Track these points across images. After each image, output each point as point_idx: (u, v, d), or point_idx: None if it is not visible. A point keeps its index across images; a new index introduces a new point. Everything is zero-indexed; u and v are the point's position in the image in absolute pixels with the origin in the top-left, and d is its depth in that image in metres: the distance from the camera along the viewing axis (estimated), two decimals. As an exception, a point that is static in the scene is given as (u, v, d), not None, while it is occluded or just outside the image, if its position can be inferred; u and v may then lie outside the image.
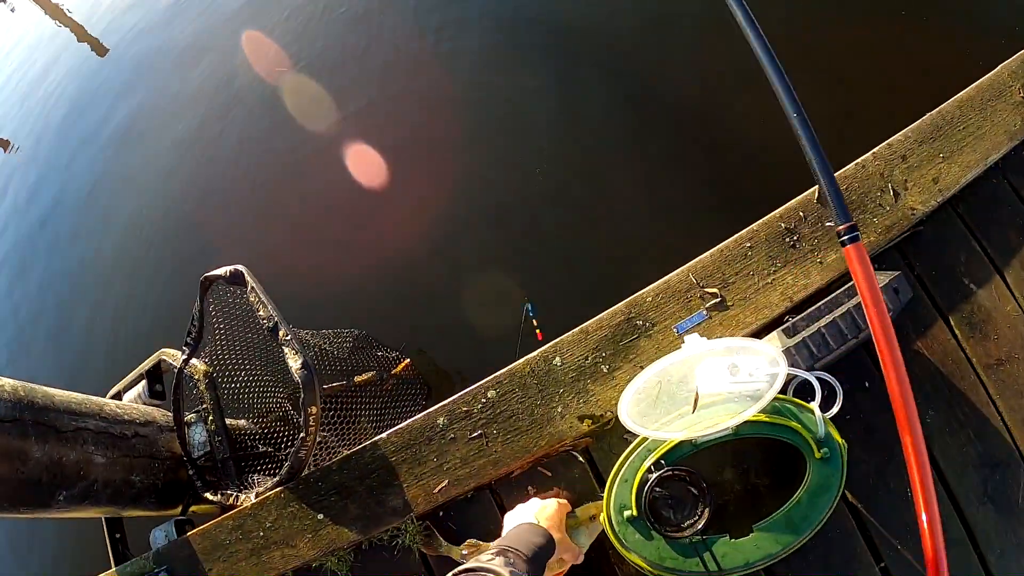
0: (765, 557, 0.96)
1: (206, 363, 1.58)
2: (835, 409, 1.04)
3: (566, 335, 1.20)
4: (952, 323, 1.21)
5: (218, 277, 1.41)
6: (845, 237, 1.03)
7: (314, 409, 1.25)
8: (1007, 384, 1.18)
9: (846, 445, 1.02)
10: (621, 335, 1.18)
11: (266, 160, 2.74)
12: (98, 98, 3.94)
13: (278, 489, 1.31)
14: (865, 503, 1.13)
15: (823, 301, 1.16)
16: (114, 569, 1.55)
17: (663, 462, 0.99)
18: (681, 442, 1.00)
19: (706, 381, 1.00)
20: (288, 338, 1.29)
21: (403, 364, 1.64)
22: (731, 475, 1.12)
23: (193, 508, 1.65)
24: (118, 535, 1.75)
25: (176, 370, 1.59)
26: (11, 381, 1.35)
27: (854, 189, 1.25)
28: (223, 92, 3.15)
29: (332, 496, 1.26)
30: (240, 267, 1.39)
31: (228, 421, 1.58)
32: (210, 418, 1.55)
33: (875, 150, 1.27)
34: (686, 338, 1.05)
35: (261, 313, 1.33)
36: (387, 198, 2.37)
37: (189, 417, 1.59)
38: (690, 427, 0.98)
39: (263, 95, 2.96)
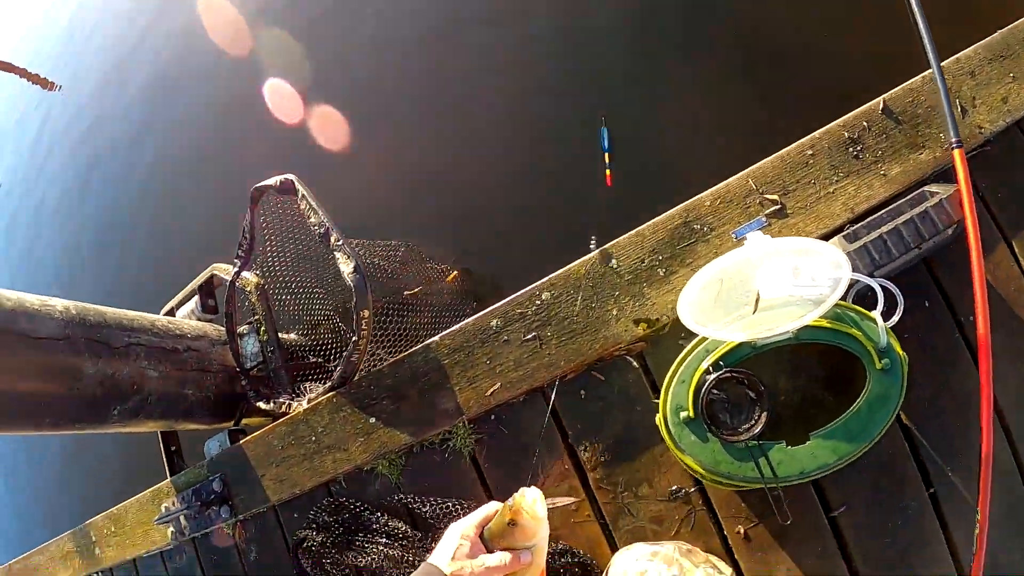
0: (820, 467, 0.95)
1: (257, 275, 1.60)
2: (896, 318, 1.02)
3: (622, 237, 1.19)
4: (1015, 248, 1.18)
5: (268, 187, 1.41)
6: (954, 140, 1.03)
7: (366, 313, 1.26)
8: None
9: (907, 358, 1.00)
10: (678, 239, 1.17)
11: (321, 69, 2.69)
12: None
13: (330, 395, 1.33)
14: (919, 426, 1.12)
15: (885, 210, 1.14)
16: (169, 479, 1.60)
17: (721, 364, 0.98)
18: (740, 344, 0.98)
19: (767, 283, 0.99)
20: (340, 243, 1.29)
21: (452, 276, 1.64)
22: (787, 383, 1.11)
23: (245, 420, 1.68)
24: (173, 448, 1.81)
25: (228, 283, 1.60)
26: (63, 301, 1.37)
27: (921, 103, 1.21)
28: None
29: (384, 400, 1.27)
30: (290, 176, 1.39)
31: (279, 334, 1.60)
32: (262, 329, 1.57)
33: (947, 61, 1.22)
34: (749, 236, 1.03)
35: (312, 220, 1.33)
36: (439, 111, 2.34)
37: (241, 329, 1.61)
38: (750, 329, 0.96)
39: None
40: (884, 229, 1.11)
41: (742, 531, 1.11)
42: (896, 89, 1.19)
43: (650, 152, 1.92)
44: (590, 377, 1.18)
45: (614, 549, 1.16)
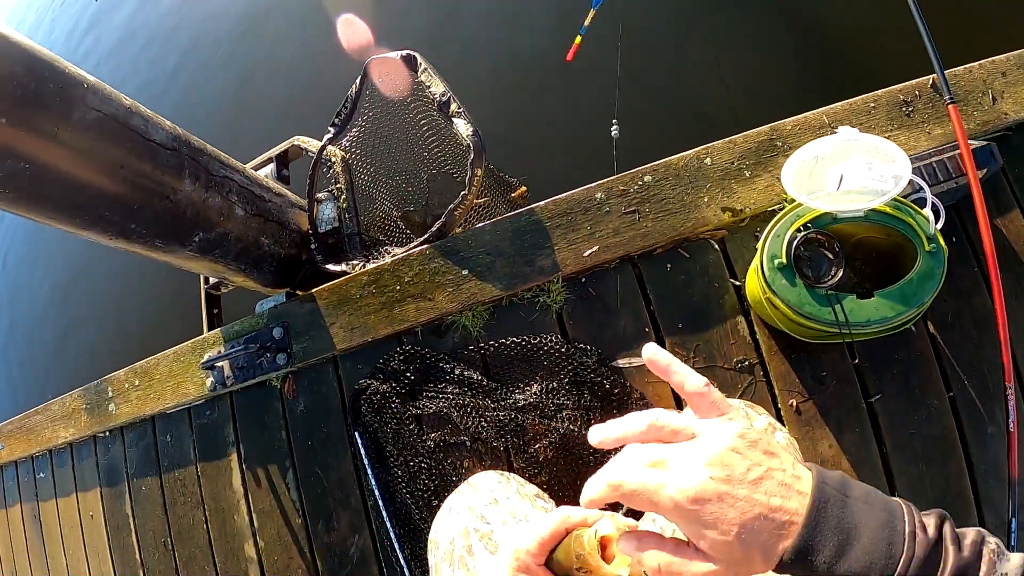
0: (881, 319, 1.12)
1: (342, 150, 1.68)
2: (940, 223, 1.22)
3: (716, 142, 1.36)
4: (1028, 215, 1.42)
5: (388, 59, 1.52)
6: (948, 98, 1.26)
7: (479, 171, 1.37)
8: None
9: (948, 251, 1.21)
10: (763, 150, 1.35)
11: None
12: None
13: (422, 248, 1.41)
14: (943, 336, 1.32)
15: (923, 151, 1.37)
16: (219, 329, 1.60)
17: (809, 226, 1.16)
18: (824, 213, 1.16)
19: (849, 169, 1.18)
20: (461, 109, 1.41)
21: (519, 191, 1.75)
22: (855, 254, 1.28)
23: (299, 292, 1.71)
24: (216, 311, 1.79)
25: (310, 153, 1.67)
26: (168, 122, 1.42)
27: (960, 86, 1.46)
28: None
29: (481, 255, 1.37)
30: (412, 52, 1.51)
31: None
32: (343, 197, 1.63)
33: (981, 62, 1.49)
34: (840, 128, 1.23)
35: (433, 89, 1.45)
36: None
37: (320, 195, 1.66)
38: (834, 202, 1.15)
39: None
40: (922, 163, 1.33)
41: (795, 404, 1.26)
42: (953, 69, 1.44)
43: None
44: (677, 253, 1.33)
45: (680, 408, 1.27)
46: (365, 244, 1.66)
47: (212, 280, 1.83)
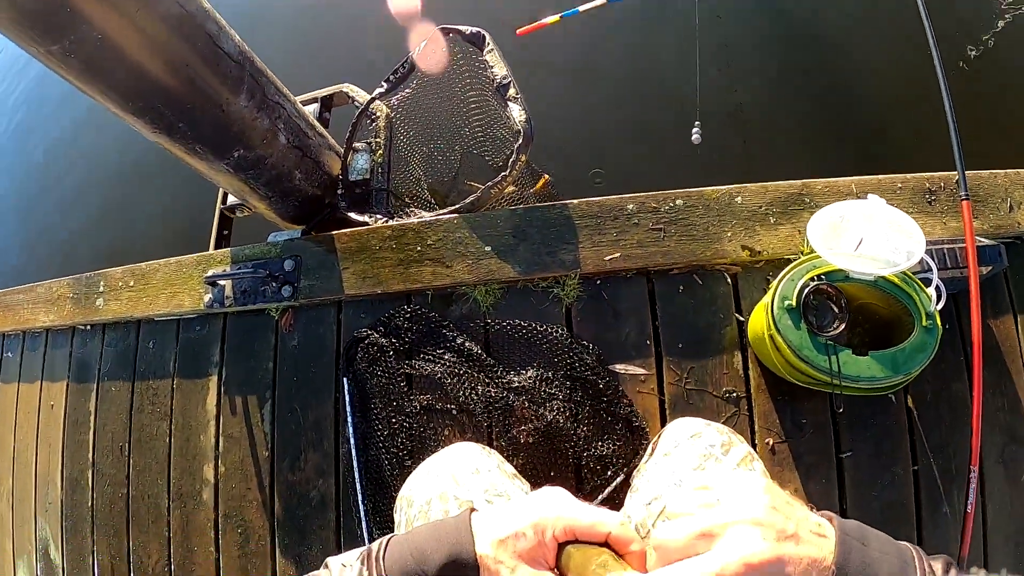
0: (871, 378, 1.18)
1: (389, 107, 1.70)
2: (940, 304, 1.29)
3: (750, 184, 1.42)
4: (1017, 319, 1.50)
5: (458, 31, 1.56)
6: (964, 194, 1.34)
7: (524, 158, 1.41)
8: None
9: (942, 331, 1.28)
10: (791, 202, 1.42)
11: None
12: None
13: (451, 216, 1.44)
14: (919, 411, 1.38)
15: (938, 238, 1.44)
16: (228, 249, 1.61)
17: (823, 277, 1.22)
18: (839, 269, 1.23)
19: (869, 235, 1.25)
20: (518, 96, 1.45)
21: (543, 180, 1.79)
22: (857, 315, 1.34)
23: (314, 233, 1.72)
24: (226, 232, 1.80)
25: (356, 103, 1.70)
26: (238, 35, 1.43)
27: (982, 188, 1.54)
28: None
29: (507, 235, 1.40)
30: (483, 30, 1.55)
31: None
32: (379, 152, 1.66)
33: (1006, 171, 1.57)
34: (870, 195, 1.30)
35: (496, 71, 1.49)
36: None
37: (357, 145, 1.69)
38: (849, 262, 1.21)
39: None
40: (934, 247, 1.41)
41: (771, 443, 1.31)
42: (979, 172, 1.53)
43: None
44: (691, 278, 1.38)
45: (663, 423, 1.31)
46: (391, 202, 1.68)
47: (231, 201, 1.83)
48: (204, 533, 1.54)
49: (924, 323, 1.21)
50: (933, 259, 1.35)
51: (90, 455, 1.72)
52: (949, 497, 1.34)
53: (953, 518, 1.33)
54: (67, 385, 1.80)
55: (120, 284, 1.73)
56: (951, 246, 1.37)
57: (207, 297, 1.60)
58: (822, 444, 1.32)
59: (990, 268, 1.37)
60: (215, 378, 1.60)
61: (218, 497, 1.54)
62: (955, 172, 1.51)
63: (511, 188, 1.90)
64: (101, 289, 1.75)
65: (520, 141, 1.41)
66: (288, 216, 1.67)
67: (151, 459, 1.64)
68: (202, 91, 1.30)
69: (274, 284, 1.54)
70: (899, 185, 1.48)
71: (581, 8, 1.74)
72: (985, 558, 1.33)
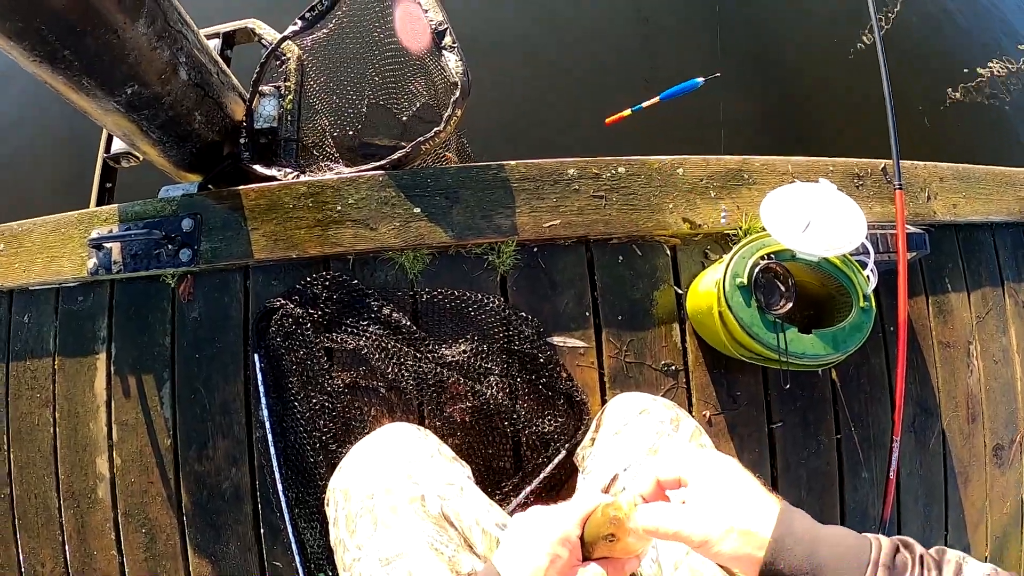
0: (814, 355, 1.19)
1: (301, 48, 1.53)
2: (873, 285, 1.32)
3: (692, 156, 1.39)
4: (928, 301, 1.56)
5: (386, -30, 1.41)
6: (898, 183, 1.37)
7: (459, 112, 1.29)
8: (946, 359, 1.53)
9: (876, 312, 1.30)
10: (730, 177, 1.39)
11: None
12: None
13: (375, 172, 1.31)
14: (842, 385, 1.42)
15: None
16: (116, 206, 1.41)
17: (772, 256, 1.21)
18: (786, 249, 1.21)
19: (815, 218, 1.24)
20: (455, 44, 1.33)
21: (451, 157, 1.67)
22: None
23: (210, 187, 1.53)
24: (108, 185, 1.57)
25: (263, 42, 1.51)
26: None
27: (907, 174, 1.58)
28: None
29: (438, 196, 1.29)
30: (414, -29, 1.41)
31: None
32: (289, 98, 1.49)
33: (927, 163, 1.59)
34: (821, 180, 1.29)
35: (431, 16, 1.35)
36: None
37: (264, 88, 1.50)
38: (797, 242, 1.20)
39: None
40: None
41: (708, 415, 1.30)
42: (901, 161, 1.55)
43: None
44: (631, 249, 1.33)
45: (603, 398, 1.27)
46: (300, 155, 1.52)
47: (116, 148, 1.59)
48: (103, 535, 1.36)
49: (861, 304, 1.23)
50: (868, 243, 1.37)
51: (-40, 448, 1.47)
52: (868, 464, 1.39)
53: (872, 483, 1.38)
54: (-80, 365, 1.53)
55: (-15, 246, 1.47)
56: (882, 232, 1.39)
57: (91, 262, 1.39)
58: (754, 416, 1.33)
59: (914, 254, 1.41)
60: (103, 356, 1.40)
61: (116, 493, 1.36)
62: (881, 161, 1.54)
63: (446, 155, 1.79)
64: (-37, 251, 1.49)
65: (457, 94, 1.29)
66: (183, 164, 1.46)
67: (34, 453, 1.42)
68: (95, 12, 1.07)
69: (170, 247, 1.35)
70: (830, 168, 1.50)
71: (644, 104, 1.88)
72: (898, 517, 1.40)
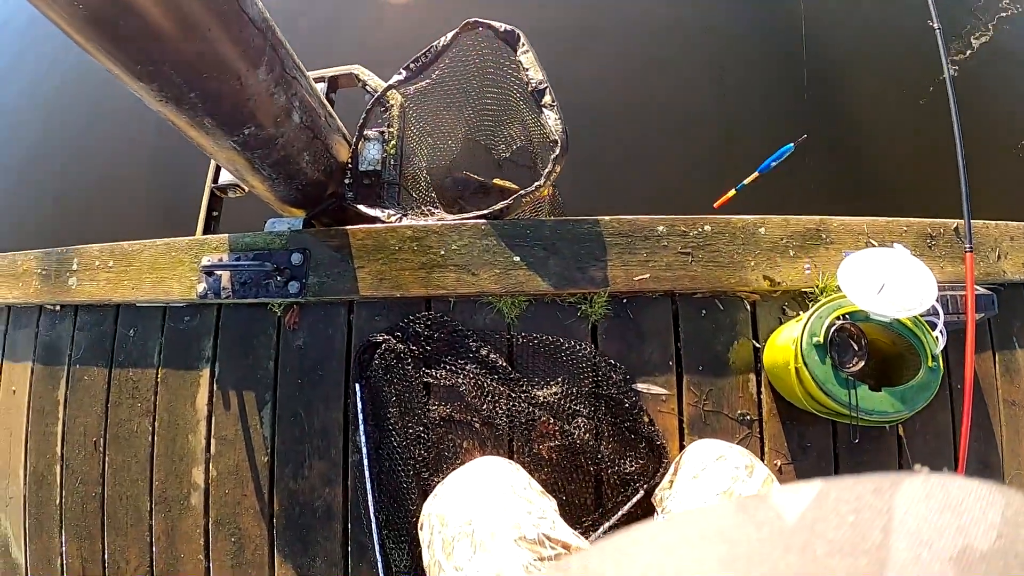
0: (883, 412, 1.26)
1: (403, 96, 1.62)
2: (942, 345, 1.39)
3: (774, 216, 1.46)
4: (995, 359, 1.62)
5: (490, 26, 1.50)
6: (968, 246, 1.43)
7: (559, 168, 1.38)
8: (1011, 418, 1.59)
9: (944, 372, 1.37)
10: (809, 237, 1.47)
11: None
12: None
13: (478, 221, 1.40)
14: (908, 439, 1.48)
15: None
16: (226, 235, 1.50)
17: (847, 316, 1.28)
18: (860, 310, 1.28)
19: (889, 280, 1.31)
20: (554, 103, 1.41)
21: (547, 190, 1.75)
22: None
23: (314, 223, 1.63)
24: (215, 213, 1.67)
25: (368, 88, 1.61)
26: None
27: (978, 234, 1.64)
28: None
29: (537, 247, 1.38)
30: (517, 29, 1.49)
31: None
32: (392, 143, 1.58)
33: (997, 222, 1.65)
34: (897, 245, 1.36)
35: (531, 74, 1.44)
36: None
37: (368, 133, 1.60)
38: (870, 304, 1.27)
39: None
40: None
41: (778, 464, 1.37)
42: (973, 221, 1.61)
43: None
44: (713, 303, 1.40)
45: (681, 443, 1.35)
46: (402, 197, 1.61)
47: (224, 179, 1.70)
48: (192, 540, 1.45)
49: (930, 363, 1.30)
50: (939, 305, 1.44)
51: (58, 449, 1.57)
52: (928, 519, 1.44)
53: (931, 538, 1.44)
54: (32, 368, 1.63)
55: (97, 263, 1.58)
56: (952, 293, 1.45)
57: (200, 286, 1.49)
58: (823, 467, 1.40)
59: (982, 315, 1.47)
60: (206, 374, 1.50)
61: (208, 502, 1.45)
62: (953, 221, 1.60)
63: (549, 196, 1.87)
64: (75, 267, 1.59)
65: (557, 152, 1.37)
66: (288, 200, 1.56)
67: (130, 457, 1.52)
68: (220, 61, 1.18)
69: (279, 278, 1.45)
70: (904, 228, 1.56)
71: (746, 181, 1.98)
72: None
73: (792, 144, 1.79)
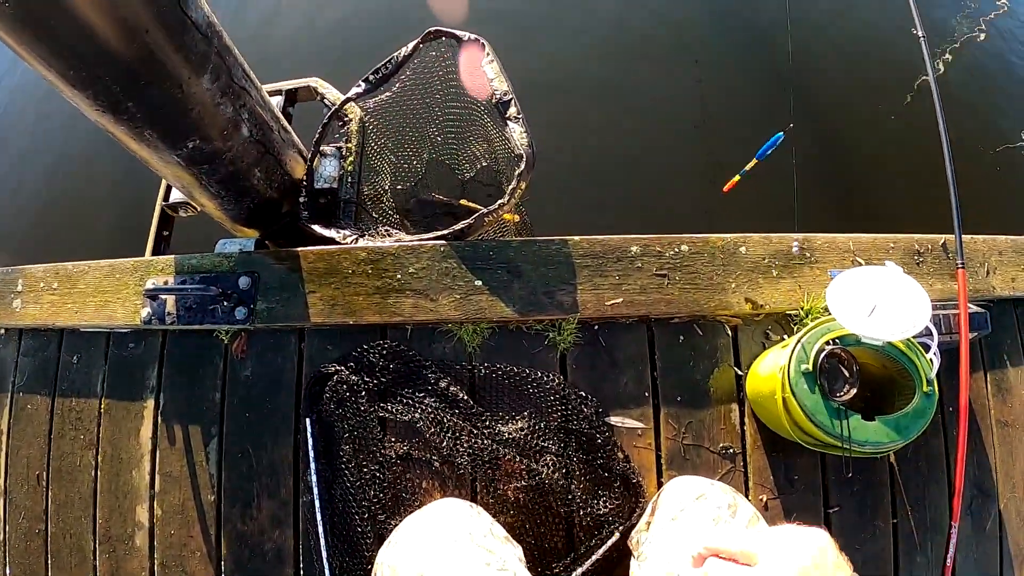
0: (876, 442, 1.17)
1: (363, 109, 1.53)
2: (936, 367, 1.30)
3: (754, 234, 1.37)
4: (987, 378, 1.53)
5: (453, 35, 1.41)
6: (960, 263, 1.35)
7: (523, 185, 1.29)
8: (1004, 439, 1.51)
9: (938, 395, 1.28)
10: (792, 256, 1.38)
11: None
12: None
13: (437, 243, 1.31)
14: (900, 467, 1.39)
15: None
16: (173, 257, 1.41)
17: (837, 341, 1.19)
18: (851, 334, 1.20)
19: (881, 301, 1.22)
20: (520, 116, 1.32)
21: (514, 215, 1.66)
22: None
23: (267, 243, 1.53)
24: (166, 233, 1.57)
25: (326, 101, 1.52)
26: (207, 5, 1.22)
27: (966, 248, 1.55)
28: None
29: (500, 269, 1.28)
30: (481, 38, 1.41)
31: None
32: (350, 159, 1.48)
33: (984, 237, 1.57)
34: (888, 262, 1.27)
35: (496, 85, 1.35)
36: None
37: (325, 148, 1.50)
38: (861, 327, 1.18)
39: None
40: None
41: (764, 499, 1.28)
42: (959, 236, 1.53)
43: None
44: (691, 328, 1.31)
45: (659, 480, 1.25)
46: (360, 217, 1.52)
47: (175, 197, 1.60)
48: (137, 583, 1.35)
49: (924, 389, 1.21)
50: (932, 325, 1.35)
51: (1, 481, 1.47)
52: (924, 549, 1.36)
53: (928, 568, 1.35)
54: (-31, 398, 1.53)
55: (42, 285, 1.47)
56: (944, 312, 1.37)
57: (144, 311, 1.38)
58: (812, 500, 1.31)
59: (976, 334, 1.38)
60: (151, 405, 1.40)
61: (154, 543, 1.35)
62: (941, 236, 1.52)
63: (514, 218, 1.78)
64: (19, 288, 1.49)
65: (522, 167, 1.28)
66: (240, 220, 1.46)
67: (73, 493, 1.42)
68: (161, 66, 1.08)
69: (226, 303, 1.35)
70: (891, 245, 1.47)
71: (747, 167, 2.03)
72: (954, 601, 1.36)
73: (782, 132, 1.79)
